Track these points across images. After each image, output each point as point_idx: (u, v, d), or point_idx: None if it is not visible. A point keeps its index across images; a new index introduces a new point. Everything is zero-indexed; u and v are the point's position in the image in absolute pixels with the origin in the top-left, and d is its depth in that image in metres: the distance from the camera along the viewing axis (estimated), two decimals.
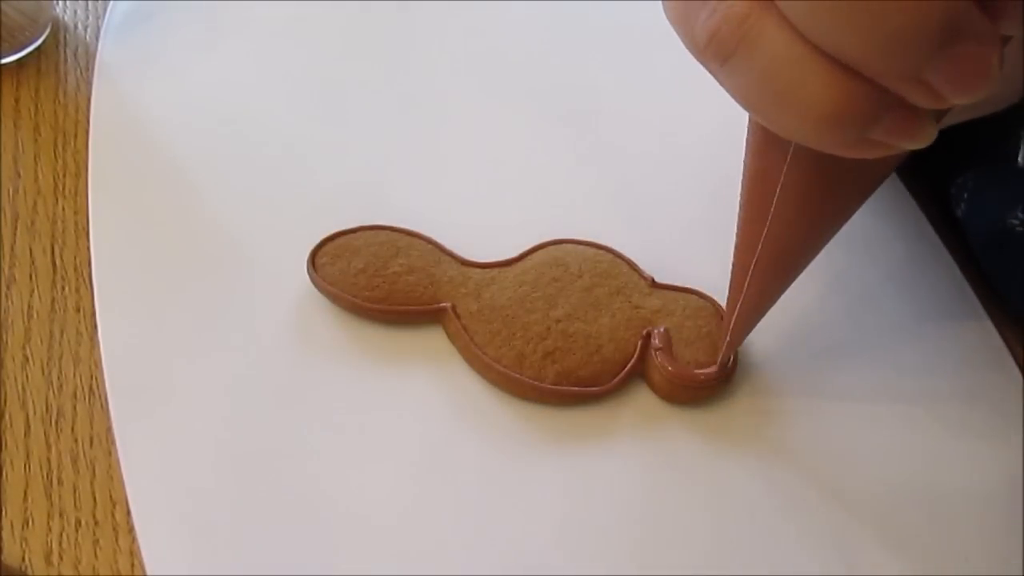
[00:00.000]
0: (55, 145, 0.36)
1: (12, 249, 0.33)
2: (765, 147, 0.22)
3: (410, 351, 0.30)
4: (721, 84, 0.19)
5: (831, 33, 0.17)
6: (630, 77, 0.40)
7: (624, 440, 0.29)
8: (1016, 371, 0.32)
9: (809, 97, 0.17)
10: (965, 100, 0.17)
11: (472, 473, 0.28)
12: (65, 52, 0.39)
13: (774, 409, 0.30)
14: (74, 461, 0.28)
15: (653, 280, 0.32)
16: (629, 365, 0.30)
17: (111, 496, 0.27)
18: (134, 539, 0.26)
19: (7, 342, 0.30)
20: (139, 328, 0.30)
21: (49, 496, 0.27)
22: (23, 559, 0.26)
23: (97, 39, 0.39)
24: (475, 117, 0.38)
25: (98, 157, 0.35)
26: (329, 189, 0.35)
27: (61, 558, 0.26)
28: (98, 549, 0.26)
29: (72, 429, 0.29)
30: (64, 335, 0.31)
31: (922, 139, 0.18)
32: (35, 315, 0.31)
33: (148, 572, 0.26)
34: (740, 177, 0.24)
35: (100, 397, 0.29)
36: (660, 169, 0.36)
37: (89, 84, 0.37)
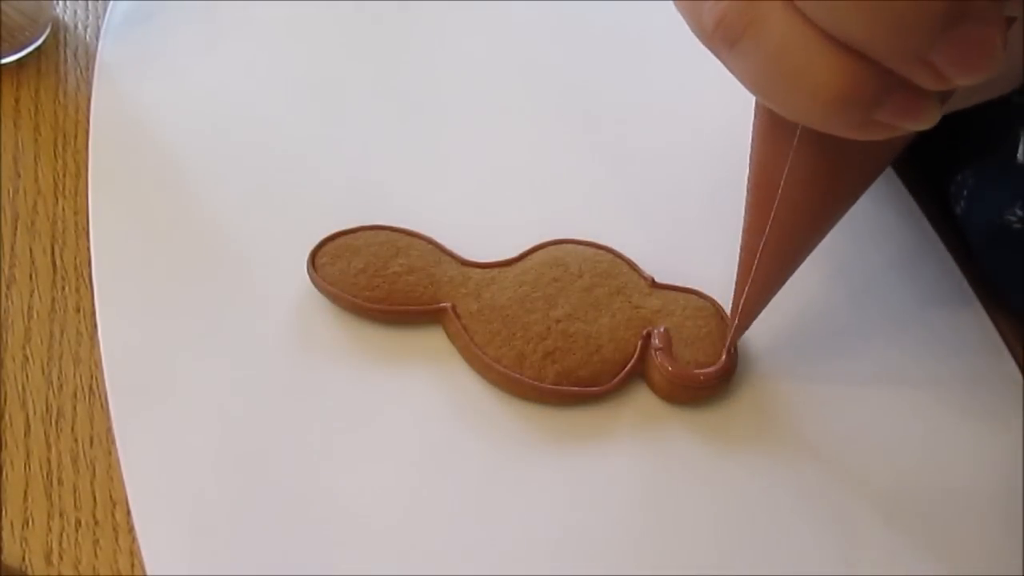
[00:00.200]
0: (55, 145, 0.36)
1: (12, 249, 0.33)
2: (772, 131, 0.23)
3: (410, 351, 0.30)
4: (729, 69, 0.19)
5: (837, 16, 0.17)
6: (630, 77, 0.40)
7: (624, 440, 0.29)
8: (1014, 365, 0.32)
9: (816, 80, 0.18)
10: (969, 81, 0.17)
11: (472, 473, 0.28)
12: (65, 52, 0.39)
13: (774, 409, 0.30)
14: (74, 461, 0.28)
15: (653, 280, 0.32)
16: (629, 365, 0.30)
17: (111, 496, 0.27)
18: (134, 539, 0.26)
19: (7, 342, 0.30)
20: (139, 328, 0.30)
21: (49, 496, 0.27)
22: (23, 559, 0.26)
23: (97, 39, 0.39)
24: (475, 117, 0.38)
25: (98, 157, 0.35)
26: (329, 189, 0.35)
27: (61, 558, 0.26)
28: (98, 549, 0.26)
29: (72, 429, 0.29)
30: (64, 335, 0.31)
31: (927, 120, 0.19)
32: (35, 315, 0.31)
33: (148, 572, 0.26)
34: (741, 177, 0.24)
35: (100, 397, 0.29)
36: (660, 169, 0.36)
37: (89, 84, 0.37)
